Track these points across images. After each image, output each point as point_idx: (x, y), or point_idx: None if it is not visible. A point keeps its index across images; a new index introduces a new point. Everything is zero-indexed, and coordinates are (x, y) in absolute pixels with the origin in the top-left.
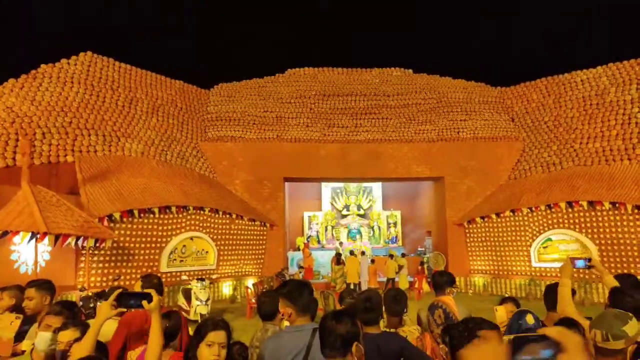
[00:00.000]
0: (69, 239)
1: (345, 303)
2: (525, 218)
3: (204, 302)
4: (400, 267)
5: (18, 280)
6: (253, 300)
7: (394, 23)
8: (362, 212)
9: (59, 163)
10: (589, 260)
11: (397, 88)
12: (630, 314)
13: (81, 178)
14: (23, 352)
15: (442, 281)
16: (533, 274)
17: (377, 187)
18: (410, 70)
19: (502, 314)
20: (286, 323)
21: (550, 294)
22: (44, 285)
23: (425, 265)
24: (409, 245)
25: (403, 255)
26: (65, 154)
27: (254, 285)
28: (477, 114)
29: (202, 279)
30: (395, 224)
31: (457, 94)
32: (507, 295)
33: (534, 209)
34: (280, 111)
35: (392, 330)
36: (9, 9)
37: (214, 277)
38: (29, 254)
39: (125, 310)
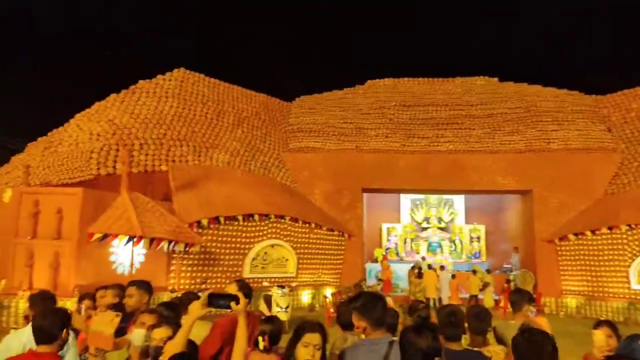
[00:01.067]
0: (162, 243)
1: (414, 316)
2: (624, 236)
3: (284, 309)
4: (486, 285)
5: (116, 279)
6: (331, 310)
7: (477, 32)
8: (443, 225)
9: (154, 172)
10: None
11: (481, 97)
12: None
13: (174, 186)
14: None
15: (520, 299)
16: (633, 297)
17: (459, 200)
18: (496, 79)
19: (600, 339)
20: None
21: None
22: (144, 285)
23: (512, 284)
24: (492, 261)
25: (488, 271)
26: (160, 164)
27: (332, 295)
28: (570, 124)
29: (283, 286)
30: (478, 238)
31: (547, 102)
32: (602, 319)
33: (634, 226)
34: (360, 122)
35: (476, 349)
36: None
37: (293, 285)
38: (126, 256)
39: (213, 310)
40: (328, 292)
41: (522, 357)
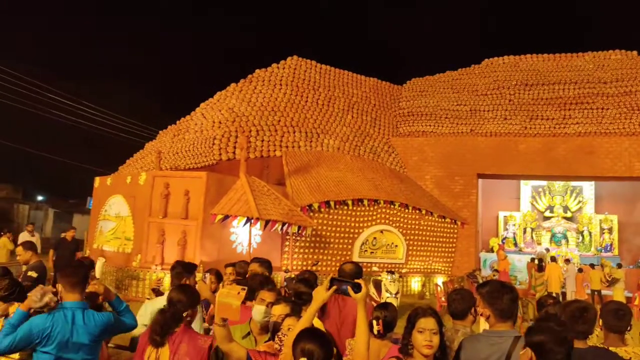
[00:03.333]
0: (277, 225)
1: (545, 311)
2: None
3: (393, 295)
4: (615, 280)
5: (235, 258)
6: (442, 299)
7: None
8: (569, 214)
9: (269, 157)
10: None
11: (617, 73)
12: None
13: (287, 171)
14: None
15: None
16: None
17: (588, 187)
18: (635, 52)
19: None
20: (483, 325)
21: None
22: (265, 262)
23: None
24: (627, 255)
25: (619, 266)
26: (274, 149)
27: (443, 283)
28: None
29: (392, 272)
30: (610, 229)
31: None
32: None
33: None
34: (475, 104)
35: (611, 348)
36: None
37: (403, 271)
38: (244, 236)
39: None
40: (439, 280)
41: None
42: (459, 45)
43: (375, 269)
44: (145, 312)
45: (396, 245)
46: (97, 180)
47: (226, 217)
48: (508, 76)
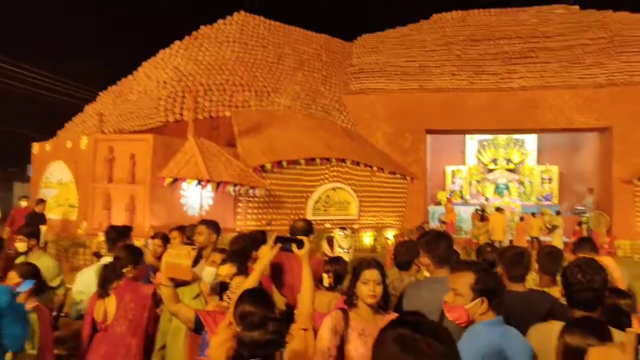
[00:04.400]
0: (228, 186)
1: (483, 257)
2: None
3: (346, 250)
4: (554, 227)
5: (187, 221)
6: (393, 252)
7: None
8: (511, 166)
9: (218, 117)
10: None
11: (560, 28)
12: None
13: (237, 131)
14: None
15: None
16: None
17: (530, 139)
18: (577, 7)
19: None
20: (426, 274)
21: None
22: (213, 224)
23: (584, 226)
24: (565, 203)
25: (558, 213)
26: (223, 109)
27: (394, 236)
28: None
29: (344, 228)
30: (550, 179)
31: (635, 30)
32: None
33: None
34: (424, 60)
35: (544, 289)
36: None
37: (355, 227)
38: (195, 199)
39: None
40: (390, 234)
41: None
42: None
43: (328, 225)
44: (82, 279)
45: (348, 202)
46: (36, 146)
47: (175, 179)
48: (456, 32)
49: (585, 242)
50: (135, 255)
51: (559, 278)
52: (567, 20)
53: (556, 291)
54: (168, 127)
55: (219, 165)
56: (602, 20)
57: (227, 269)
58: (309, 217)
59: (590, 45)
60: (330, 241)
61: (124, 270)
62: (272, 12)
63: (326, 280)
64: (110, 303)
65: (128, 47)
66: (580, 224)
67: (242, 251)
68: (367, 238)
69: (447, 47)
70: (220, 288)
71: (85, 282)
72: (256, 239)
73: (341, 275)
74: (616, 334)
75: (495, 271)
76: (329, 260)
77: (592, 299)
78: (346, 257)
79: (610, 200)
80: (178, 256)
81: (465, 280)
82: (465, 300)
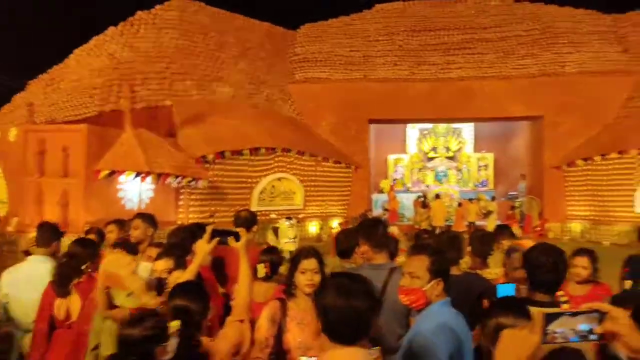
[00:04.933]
0: (169, 178)
1: (421, 240)
2: (634, 160)
3: (292, 240)
4: (489, 212)
5: (125, 215)
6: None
7: None
8: (450, 154)
9: (157, 107)
10: None
11: (495, 19)
12: None
13: (178, 121)
14: None
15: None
16: (637, 220)
17: (468, 128)
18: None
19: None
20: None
21: None
22: (149, 218)
23: (517, 210)
24: (500, 188)
25: (493, 198)
26: (163, 98)
27: (339, 225)
28: (585, 45)
29: (290, 218)
30: (486, 166)
31: (564, 23)
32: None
33: None
34: (367, 50)
35: (477, 271)
36: None
37: (300, 216)
38: (134, 192)
39: None
40: (335, 223)
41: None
42: None
43: (273, 216)
44: (8, 279)
45: (294, 192)
46: None
47: (112, 172)
48: (397, 22)
49: (504, 229)
50: (92, 248)
51: (489, 260)
52: (503, 12)
53: (488, 273)
54: (103, 117)
55: (159, 157)
56: (535, 12)
57: (163, 264)
58: (254, 207)
59: (523, 37)
60: (276, 231)
61: (83, 267)
62: None
63: (262, 271)
64: (74, 301)
65: (58, 33)
66: (513, 208)
67: (180, 245)
68: (313, 227)
69: (390, 37)
70: (158, 284)
71: (11, 282)
72: (194, 232)
73: (277, 265)
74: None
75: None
76: (264, 251)
77: (555, 281)
78: (292, 247)
79: (541, 186)
80: (118, 266)
81: (422, 263)
82: (422, 282)
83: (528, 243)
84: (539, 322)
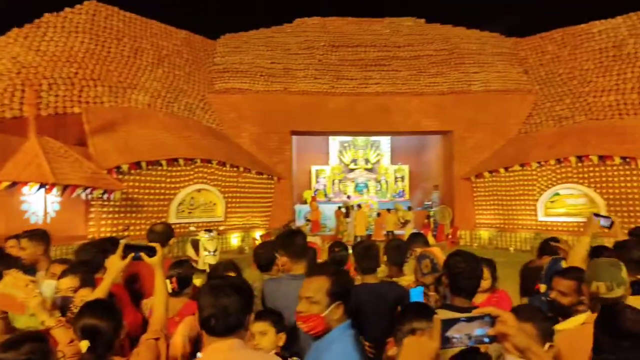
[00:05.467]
0: (78, 190)
1: (333, 255)
2: (534, 172)
3: (212, 253)
4: (407, 222)
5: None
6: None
7: None
8: (369, 166)
9: (66, 114)
10: (612, 222)
11: (409, 39)
12: (619, 261)
13: (88, 129)
14: None
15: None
16: (539, 227)
17: (385, 141)
18: (423, 20)
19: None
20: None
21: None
22: (37, 235)
23: (432, 219)
24: (416, 199)
25: (409, 208)
26: (72, 105)
27: (261, 237)
28: (490, 66)
29: (210, 230)
30: (402, 178)
31: (470, 44)
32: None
33: (543, 163)
34: (288, 62)
35: (394, 279)
36: None
37: (221, 228)
38: (38, 205)
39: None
40: (257, 234)
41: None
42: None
43: (192, 228)
44: None
45: (214, 204)
46: None
47: (14, 183)
48: (317, 37)
49: (418, 236)
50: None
51: (405, 268)
52: (415, 32)
53: (404, 280)
54: (4, 124)
55: (66, 167)
56: (444, 34)
57: (68, 282)
58: (172, 220)
59: (434, 56)
60: (195, 245)
61: None
62: (128, 3)
63: (169, 286)
64: None
65: None
66: (428, 217)
67: (88, 261)
68: (235, 239)
69: (310, 51)
70: (62, 304)
71: None
72: (106, 247)
73: (186, 278)
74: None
75: (347, 270)
76: (172, 265)
77: (474, 286)
78: (213, 260)
79: (453, 196)
80: (14, 286)
81: (320, 285)
82: (321, 308)
83: (437, 250)
84: (437, 328)
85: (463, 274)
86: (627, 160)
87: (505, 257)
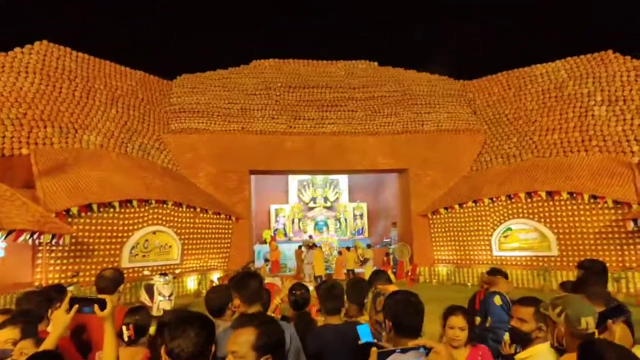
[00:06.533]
0: (24, 235)
1: (295, 297)
2: (487, 208)
3: (167, 298)
4: (366, 260)
5: None
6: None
7: (358, 17)
8: (328, 204)
9: (13, 156)
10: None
11: (363, 80)
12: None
13: (37, 171)
14: None
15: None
16: (494, 262)
17: (343, 179)
18: (376, 63)
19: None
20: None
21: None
22: None
23: (391, 256)
24: (375, 236)
25: (369, 246)
26: (20, 147)
27: (219, 279)
28: (441, 107)
29: (165, 274)
30: (361, 215)
31: (422, 86)
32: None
33: (494, 199)
34: (245, 103)
35: (353, 319)
36: None
37: (177, 271)
38: None
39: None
40: (215, 276)
41: (395, 315)
42: (228, 44)
43: (146, 272)
44: None
45: (170, 246)
46: None
47: None
48: (274, 78)
49: (380, 273)
50: None
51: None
52: (369, 74)
53: (363, 319)
54: None
55: (12, 211)
56: (396, 76)
57: (7, 334)
58: (125, 264)
59: (387, 97)
60: (149, 290)
61: None
62: (80, 44)
63: (125, 334)
64: None
65: None
66: (387, 254)
67: (31, 311)
68: (192, 282)
69: (267, 92)
70: (3, 356)
71: None
72: (50, 295)
73: (143, 326)
74: None
75: (276, 320)
76: (128, 311)
77: (419, 324)
78: (168, 305)
79: (410, 232)
80: None
81: (246, 339)
82: None
83: (392, 288)
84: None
85: (407, 314)
86: (574, 195)
87: (464, 293)
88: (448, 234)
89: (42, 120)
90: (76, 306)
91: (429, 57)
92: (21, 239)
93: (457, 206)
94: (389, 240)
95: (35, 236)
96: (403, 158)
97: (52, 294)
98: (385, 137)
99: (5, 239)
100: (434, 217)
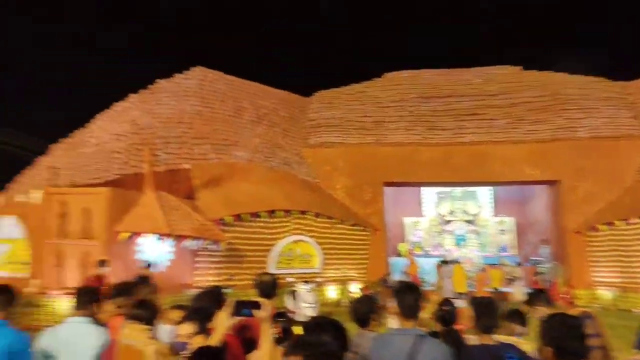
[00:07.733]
0: (188, 240)
1: (442, 312)
2: None
3: (311, 305)
4: (514, 278)
5: None
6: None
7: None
8: (469, 217)
9: (177, 170)
10: None
11: (503, 86)
12: None
13: (196, 184)
14: None
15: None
16: None
17: (484, 192)
18: (519, 68)
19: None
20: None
21: None
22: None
23: (540, 276)
24: (521, 253)
25: (518, 264)
26: (182, 162)
27: (360, 289)
28: (597, 111)
29: (308, 282)
30: (506, 231)
31: (573, 90)
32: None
33: None
34: (379, 115)
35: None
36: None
37: (318, 280)
38: (151, 255)
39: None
40: (353, 287)
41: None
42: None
43: (290, 279)
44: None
45: (311, 255)
46: None
47: (133, 234)
48: (407, 89)
49: (541, 294)
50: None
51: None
52: (510, 80)
53: (524, 344)
54: (124, 180)
55: (178, 219)
56: (543, 80)
57: (187, 328)
58: (271, 270)
59: (533, 103)
60: (294, 296)
61: None
62: (230, 68)
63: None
64: None
65: (79, 99)
66: (536, 274)
67: (203, 309)
68: (332, 292)
69: (401, 103)
70: (182, 348)
71: (50, 344)
72: (218, 297)
73: (287, 330)
74: None
75: (326, 344)
76: (275, 315)
77: (585, 350)
78: (312, 313)
79: (563, 250)
80: (132, 337)
81: None
82: None
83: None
84: None
85: (567, 335)
86: None
87: (628, 320)
88: (610, 253)
89: (200, 138)
90: (238, 315)
91: (582, 58)
92: (187, 244)
93: (620, 222)
94: (540, 258)
95: (196, 241)
96: (553, 168)
97: (221, 296)
98: (532, 145)
99: (173, 243)
100: (592, 234)
